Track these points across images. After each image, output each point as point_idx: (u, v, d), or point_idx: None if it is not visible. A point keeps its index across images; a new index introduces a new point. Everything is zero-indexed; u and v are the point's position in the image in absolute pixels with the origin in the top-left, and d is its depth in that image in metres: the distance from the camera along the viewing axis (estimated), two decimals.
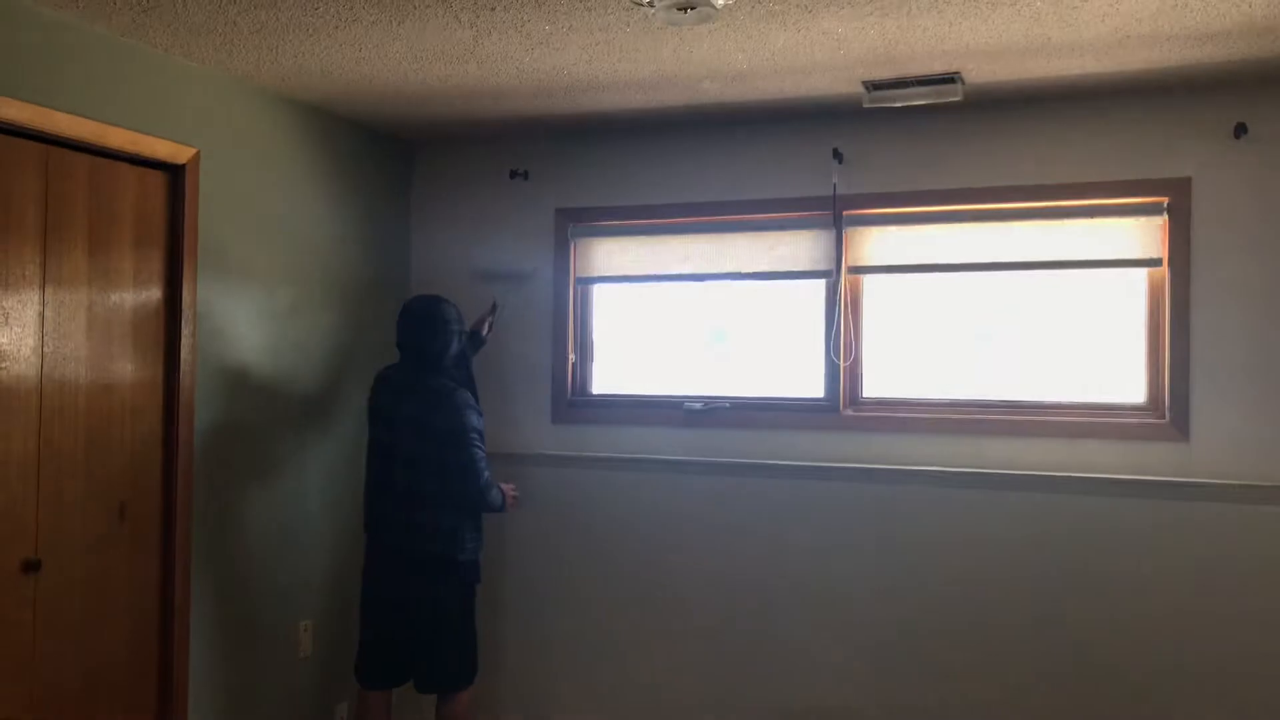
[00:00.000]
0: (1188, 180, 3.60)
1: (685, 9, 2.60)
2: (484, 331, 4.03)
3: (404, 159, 4.55)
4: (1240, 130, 3.52)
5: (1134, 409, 3.72)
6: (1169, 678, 3.56)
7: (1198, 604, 3.55)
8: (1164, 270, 3.65)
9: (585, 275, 4.36)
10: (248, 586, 3.78)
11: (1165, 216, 3.61)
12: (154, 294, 3.41)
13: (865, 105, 3.60)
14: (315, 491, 4.08)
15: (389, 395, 3.59)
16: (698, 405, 4.10)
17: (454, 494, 3.46)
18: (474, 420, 3.48)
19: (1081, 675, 3.65)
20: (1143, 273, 3.73)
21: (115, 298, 3.27)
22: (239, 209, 3.66)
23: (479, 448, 3.49)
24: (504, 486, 3.69)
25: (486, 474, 3.52)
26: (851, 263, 3.98)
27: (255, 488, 3.79)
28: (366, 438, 3.69)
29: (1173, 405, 3.62)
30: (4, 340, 2.94)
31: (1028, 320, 3.90)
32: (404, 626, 3.53)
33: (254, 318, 3.75)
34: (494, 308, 4.20)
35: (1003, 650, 3.72)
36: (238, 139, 3.66)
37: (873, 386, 4.02)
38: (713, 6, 2.63)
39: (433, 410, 3.44)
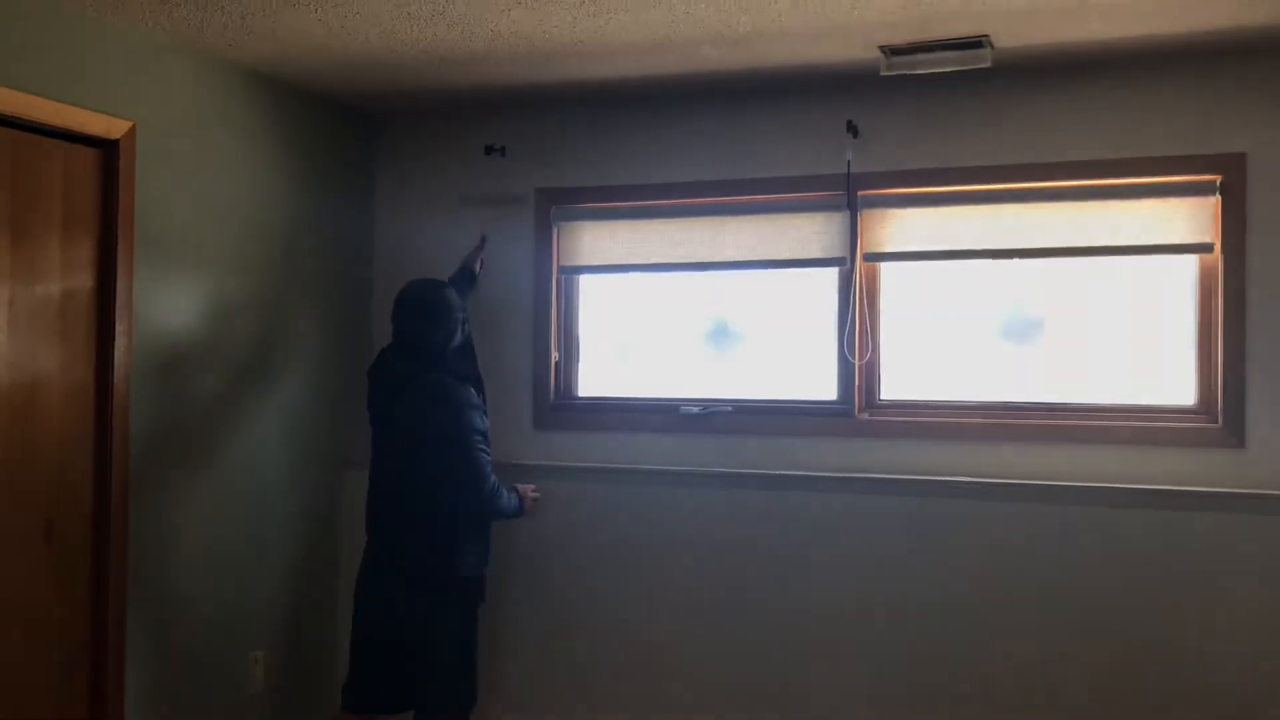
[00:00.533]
0: (1242, 156, 3.51)
1: None
2: (477, 268, 4.03)
3: (367, 134, 4.48)
4: None
5: (1184, 412, 3.63)
6: (1227, 706, 3.46)
7: (1258, 625, 3.45)
8: (1216, 256, 3.57)
9: (570, 264, 4.28)
10: (191, 614, 3.67)
11: (1218, 196, 3.53)
12: (85, 285, 3.29)
13: (883, 73, 3.51)
14: (268, 508, 3.99)
15: (384, 391, 3.55)
16: (695, 409, 4.03)
17: (456, 502, 3.43)
18: (476, 420, 3.44)
19: (1131, 704, 3.55)
20: (1193, 259, 3.64)
21: (41, 290, 3.15)
22: (182, 190, 3.57)
23: (483, 450, 3.44)
24: (522, 488, 3.65)
25: (493, 478, 3.47)
26: (867, 249, 3.90)
27: (199, 503, 3.69)
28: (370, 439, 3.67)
29: (1227, 408, 3.53)
30: None
31: (1064, 314, 3.83)
32: (395, 646, 3.48)
33: (199, 312, 3.66)
34: (483, 242, 4.18)
35: (1044, 679, 3.61)
36: (180, 111, 3.56)
37: (892, 387, 3.94)
38: None
39: (430, 409, 3.40)
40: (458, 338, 3.55)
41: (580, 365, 4.33)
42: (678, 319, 4.26)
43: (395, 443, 3.49)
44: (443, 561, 3.44)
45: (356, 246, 4.44)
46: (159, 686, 3.54)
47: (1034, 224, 3.73)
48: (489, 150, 4.27)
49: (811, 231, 3.96)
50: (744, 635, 3.94)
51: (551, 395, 4.27)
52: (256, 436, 3.93)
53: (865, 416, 3.91)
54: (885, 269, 3.96)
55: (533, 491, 3.73)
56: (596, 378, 4.33)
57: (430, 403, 3.41)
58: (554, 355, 4.28)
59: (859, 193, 3.86)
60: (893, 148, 3.84)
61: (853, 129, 3.85)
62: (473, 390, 3.52)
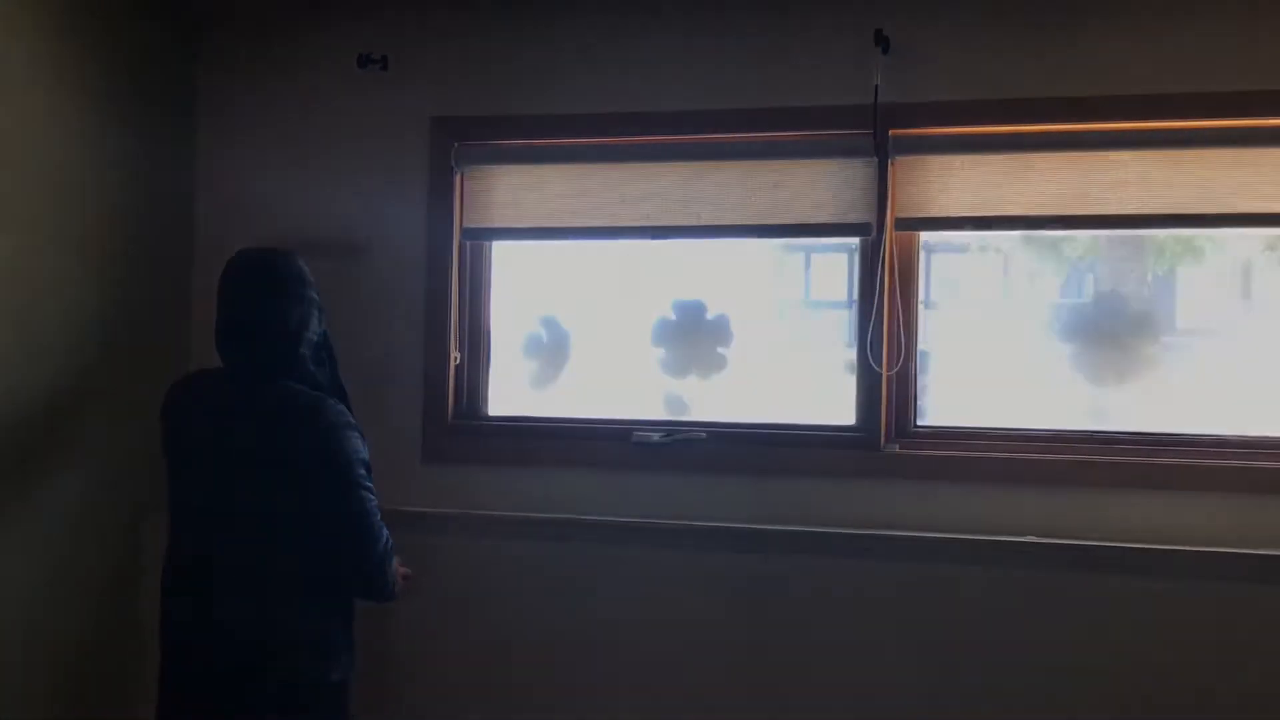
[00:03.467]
0: None
1: None
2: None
3: (188, 37, 4.13)
4: None
5: None
6: None
7: None
8: None
9: (478, 225, 3.96)
10: None
11: None
12: None
13: None
14: (15, 605, 3.49)
15: (204, 417, 3.09)
16: (655, 436, 3.77)
17: (331, 570, 3.03)
18: (358, 446, 3.03)
19: None
20: None
21: None
22: None
23: (370, 491, 3.04)
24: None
25: (386, 534, 3.06)
26: (902, 211, 3.63)
27: None
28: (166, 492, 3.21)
29: None
30: None
31: (1176, 307, 3.68)
32: None
33: None
34: None
35: None
36: None
37: (933, 409, 3.73)
38: None
39: (288, 432, 2.96)
40: (314, 327, 3.13)
41: (491, 370, 4.04)
42: (631, 307, 4.02)
43: (226, 492, 3.03)
44: (309, 667, 3.01)
45: (169, 199, 4.07)
46: None
47: (1133, 182, 3.46)
48: (365, 62, 3.92)
49: (822, 185, 3.69)
50: None
51: (449, 413, 3.96)
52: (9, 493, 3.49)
53: (895, 449, 3.66)
54: (927, 240, 3.73)
55: (404, 570, 3.33)
56: (513, 388, 4.07)
57: (288, 422, 2.97)
58: (454, 356, 3.96)
59: (891, 132, 3.59)
60: (937, 69, 3.59)
61: (883, 42, 3.55)
62: (342, 405, 3.11)
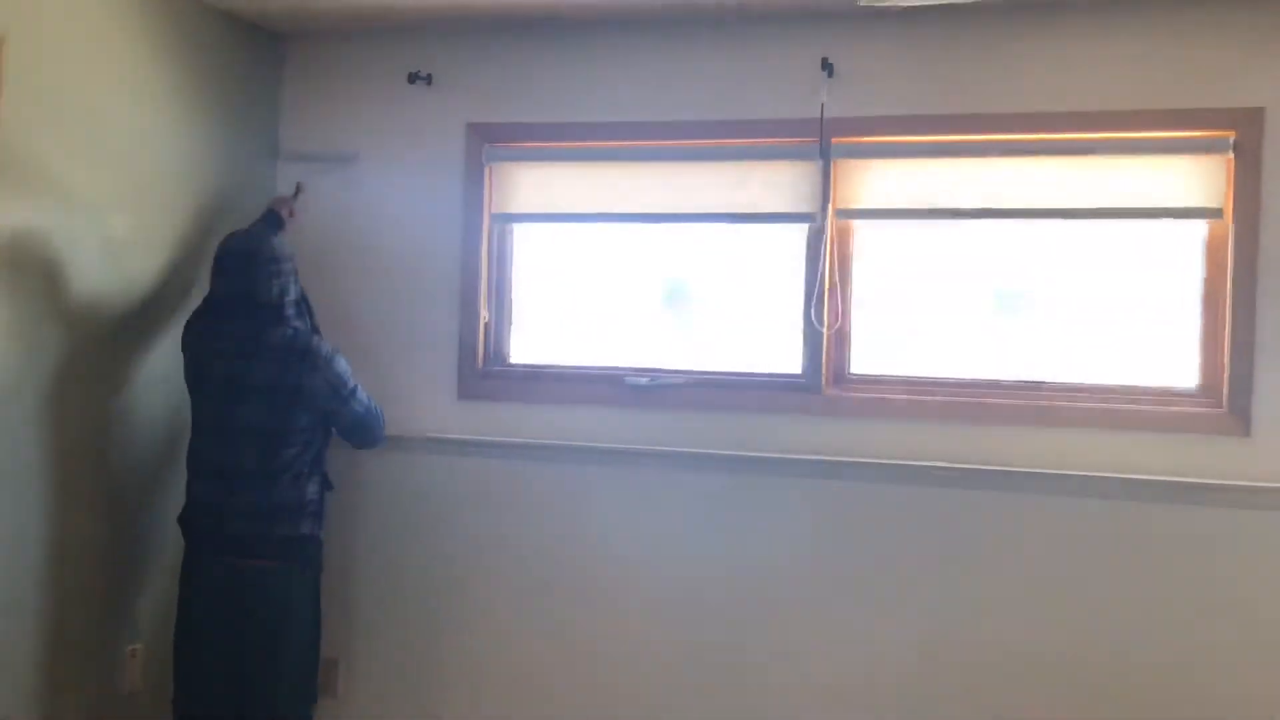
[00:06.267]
0: (1260, 111, 3.53)
1: None
2: (285, 215, 4.01)
3: (273, 57, 4.43)
4: None
5: (1185, 395, 3.69)
6: None
7: (1261, 632, 3.54)
8: (1226, 223, 3.61)
9: (504, 211, 4.28)
10: (60, 601, 3.62)
11: (1231, 155, 3.57)
12: None
13: (861, 3, 3.55)
14: (152, 479, 3.97)
15: (221, 354, 3.63)
16: (643, 380, 4.08)
17: (315, 418, 3.67)
18: (343, 365, 3.68)
19: (1122, 712, 3.64)
20: (1201, 225, 3.69)
21: None
22: (58, 111, 3.52)
23: (355, 391, 3.72)
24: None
25: (379, 411, 3.83)
26: (841, 204, 3.93)
27: (73, 478, 3.65)
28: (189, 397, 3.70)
29: (1233, 391, 3.58)
30: None
31: (1058, 283, 3.89)
32: (239, 641, 3.57)
33: (84, 251, 3.64)
34: (297, 190, 4.23)
35: (1020, 689, 3.71)
36: (57, 21, 3.51)
37: (864, 361, 3.99)
38: None
39: (291, 367, 3.58)
40: (292, 291, 3.70)
41: (514, 327, 4.34)
42: (626, 278, 4.28)
43: (241, 410, 3.59)
44: (289, 520, 3.60)
45: (258, 185, 4.38)
46: (13, 686, 3.50)
47: (1029, 182, 3.78)
48: (413, 78, 4.24)
49: (779, 182, 3.99)
50: (693, 634, 4.00)
51: (480, 361, 4.26)
52: (144, 397, 3.92)
53: (833, 392, 3.94)
54: (860, 227, 3.99)
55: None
56: (532, 342, 4.34)
57: (294, 360, 3.58)
58: (483, 315, 4.27)
59: (833, 140, 3.87)
60: (873, 90, 3.85)
61: (827, 67, 3.85)
62: (323, 341, 3.74)
